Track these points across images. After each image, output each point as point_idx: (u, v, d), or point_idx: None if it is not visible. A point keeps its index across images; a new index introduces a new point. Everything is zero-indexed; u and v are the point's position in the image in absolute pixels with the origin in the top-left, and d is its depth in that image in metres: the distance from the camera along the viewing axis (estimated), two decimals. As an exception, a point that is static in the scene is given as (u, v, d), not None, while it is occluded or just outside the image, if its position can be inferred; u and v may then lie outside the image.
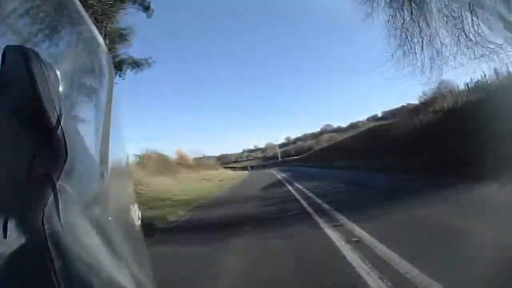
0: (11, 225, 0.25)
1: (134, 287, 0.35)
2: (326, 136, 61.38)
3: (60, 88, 0.41)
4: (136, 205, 0.49)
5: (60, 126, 0.35)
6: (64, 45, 0.50)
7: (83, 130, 0.41)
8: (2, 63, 0.35)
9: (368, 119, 68.75)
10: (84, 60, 0.52)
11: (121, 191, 0.48)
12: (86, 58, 0.52)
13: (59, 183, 0.31)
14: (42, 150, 0.33)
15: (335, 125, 73.27)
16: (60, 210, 0.29)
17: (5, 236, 0.25)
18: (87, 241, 0.30)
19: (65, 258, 0.24)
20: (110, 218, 0.34)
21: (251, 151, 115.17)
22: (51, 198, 0.29)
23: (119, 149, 0.46)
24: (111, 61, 0.42)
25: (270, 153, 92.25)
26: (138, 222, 0.48)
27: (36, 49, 0.37)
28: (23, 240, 0.25)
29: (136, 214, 0.48)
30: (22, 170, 0.31)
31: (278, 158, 66.64)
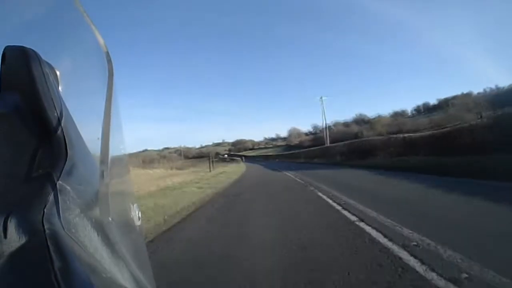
0: (11, 225, 0.25)
1: (134, 287, 0.35)
2: (388, 119, 46.86)
3: (60, 88, 0.41)
4: (136, 205, 0.48)
5: (60, 126, 0.35)
6: (64, 45, 0.50)
7: (83, 130, 0.41)
8: (2, 63, 0.35)
9: (418, 109, 58.23)
10: (84, 60, 0.52)
11: (121, 191, 0.48)
12: (86, 58, 0.52)
13: (59, 183, 0.31)
14: (42, 149, 0.33)
15: (369, 114, 60.45)
16: (60, 209, 0.29)
17: (5, 236, 0.25)
18: (87, 241, 0.30)
19: (65, 258, 0.24)
20: (110, 218, 0.34)
21: (272, 139, 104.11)
22: (51, 197, 0.29)
23: (119, 149, 0.46)
24: (111, 61, 0.42)
25: (295, 141, 74.30)
26: (138, 222, 0.48)
27: (36, 49, 0.37)
28: (23, 240, 0.25)
29: (136, 214, 0.48)
30: (23, 169, 0.31)
31: (325, 143, 36.33)
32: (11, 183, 0.29)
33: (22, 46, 0.36)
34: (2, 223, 0.25)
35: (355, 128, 48.13)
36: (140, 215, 0.49)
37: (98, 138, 0.36)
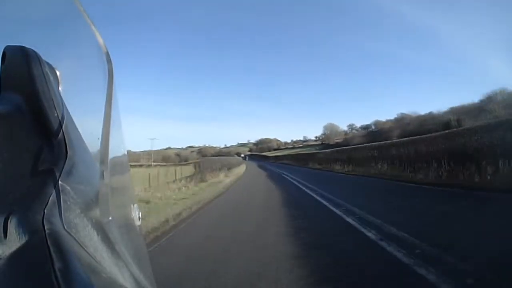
0: (11, 225, 0.25)
1: (134, 287, 0.35)
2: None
3: (60, 88, 0.41)
4: (136, 205, 0.48)
5: (60, 126, 0.35)
6: (64, 45, 0.50)
7: (83, 130, 0.41)
8: (2, 63, 0.35)
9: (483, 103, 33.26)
10: (84, 60, 0.52)
11: (121, 191, 0.48)
12: (86, 58, 0.52)
13: (59, 183, 0.31)
14: (42, 149, 0.33)
15: (412, 113, 47.53)
16: (61, 210, 0.29)
17: (5, 236, 0.25)
18: (87, 241, 0.30)
19: (65, 258, 0.24)
20: (110, 218, 0.34)
21: (302, 141, 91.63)
22: (51, 198, 0.29)
23: (119, 149, 0.46)
24: (111, 61, 0.42)
25: (335, 138, 58.97)
26: (138, 222, 0.48)
27: (36, 49, 0.37)
28: (23, 240, 0.25)
29: (136, 214, 0.48)
30: (23, 169, 0.31)
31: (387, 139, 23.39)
32: (11, 183, 0.29)
33: (22, 46, 0.36)
34: (2, 223, 0.25)
35: (443, 117, 30.51)
36: (140, 215, 0.49)
37: (98, 138, 0.36)
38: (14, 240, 0.25)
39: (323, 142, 64.59)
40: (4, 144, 0.30)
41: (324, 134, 68.64)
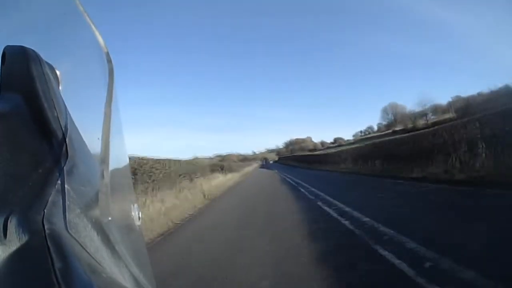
0: (11, 225, 0.25)
1: (134, 287, 0.35)
2: None
3: (60, 88, 0.41)
4: (136, 205, 0.48)
5: (60, 126, 0.35)
6: (64, 45, 0.50)
7: (83, 130, 0.41)
8: (2, 63, 0.35)
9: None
10: (84, 60, 0.52)
11: (121, 191, 0.48)
12: (86, 58, 0.52)
13: (59, 183, 0.31)
14: (43, 149, 0.33)
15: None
16: (61, 210, 0.29)
17: (5, 236, 0.25)
18: (87, 241, 0.30)
19: (65, 258, 0.24)
20: (110, 218, 0.34)
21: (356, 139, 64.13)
22: (51, 198, 0.29)
23: (119, 149, 0.46)
24: (111, 61, 0.42)
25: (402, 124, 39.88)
26: (138, 222, 0.48)
27: (36, 49, 0.37)
28: (23, 240, 0.25)
29: (136, 214, 0.48)
30: (23, 169, 0.31)
31: None
32: (11, 183, 0.29)
33: (22, 46, 0.36)
34: (2, 223, 0.25)
35: None
36: (140, 215, 0.49)
37: (98, 138, 0.36)
38: (14, 240, 0.25)
39: (393, 128, 40.47)
40: (4, 144, 0.30)
41: (395, 110, 45.80)
